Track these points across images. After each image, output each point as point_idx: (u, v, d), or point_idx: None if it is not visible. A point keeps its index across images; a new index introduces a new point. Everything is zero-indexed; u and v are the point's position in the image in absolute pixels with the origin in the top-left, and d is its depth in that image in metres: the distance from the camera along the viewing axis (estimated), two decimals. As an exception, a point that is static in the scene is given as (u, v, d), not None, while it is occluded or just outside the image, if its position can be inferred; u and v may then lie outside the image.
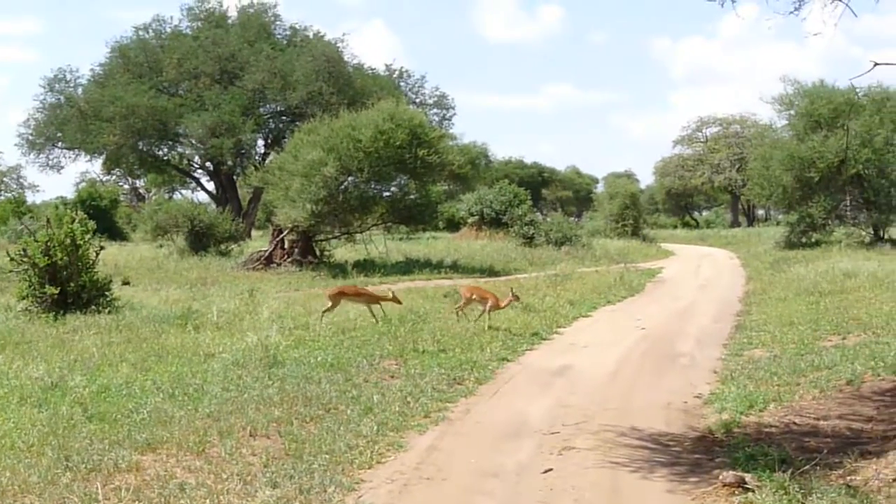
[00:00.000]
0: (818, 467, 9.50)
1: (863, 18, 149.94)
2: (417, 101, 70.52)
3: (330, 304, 22.07)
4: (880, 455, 10.00)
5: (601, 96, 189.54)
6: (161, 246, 50.10)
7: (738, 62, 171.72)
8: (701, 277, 37.32)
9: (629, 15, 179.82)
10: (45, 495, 9.14)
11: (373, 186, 40.32)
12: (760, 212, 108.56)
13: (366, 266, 38.45)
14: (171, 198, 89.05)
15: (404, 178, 40.46)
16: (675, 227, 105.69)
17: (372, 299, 22.40)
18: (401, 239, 54.30)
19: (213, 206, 63.51)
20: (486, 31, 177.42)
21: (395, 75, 71.56)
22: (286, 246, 40.42)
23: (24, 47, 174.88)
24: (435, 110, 71.75)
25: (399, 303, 22.65)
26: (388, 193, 41.43)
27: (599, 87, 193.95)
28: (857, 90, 51.40)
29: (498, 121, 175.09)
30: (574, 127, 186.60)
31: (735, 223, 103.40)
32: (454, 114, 73.00)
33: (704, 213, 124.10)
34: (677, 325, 22.42)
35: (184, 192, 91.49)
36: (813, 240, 51.42)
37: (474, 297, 21.85)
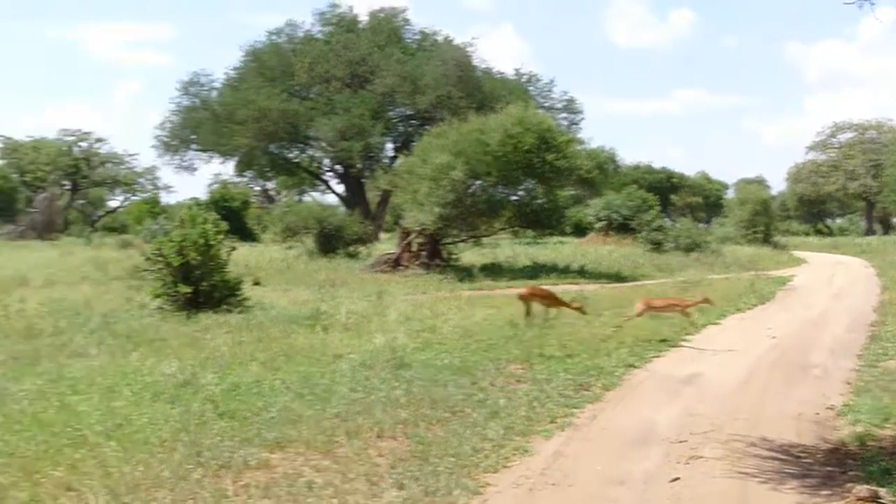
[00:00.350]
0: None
1: None
2: (546, 105, 70.33)
3: (523, 306, 22.34)
4: None
5: (732, 101, 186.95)
6: (290, 247, 50.79)
7: (876, 66, 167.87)
8: (834, 286, 36.52)
9: (761, 18, 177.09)
10: (176, 490, 9.31)
11: (500, 190, 40.32)
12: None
13: (493, 270, 38.46)
14: (300, 200, 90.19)
15: (532, 183, 40.32)
16: (808, 234, 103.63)
17: (557, 303, 22.57)
18: (528, 243, 54.27)
19: (342, 208, 64.09)
20: (615, 36, 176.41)
21: (523, 80, 71.50)
22: (414, 249, 40.62)
23: (159, 51, 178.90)
24: (563, 115, 71.49)
25: (584, 313, 22.69)
26: (515, 197, 41.37)
27: (731, 91, 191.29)
28: None
29: (627, 125, 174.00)
30: (704, 132, 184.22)
31: (870, 231, 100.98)
32: (582, 118, 72.61)
33: (838, 221, 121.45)
34: (809, 334, 21.97)
35: (313, 194, 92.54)
36: (951, 248, 50.04)
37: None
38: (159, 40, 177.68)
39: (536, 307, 22.41)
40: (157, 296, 24.34)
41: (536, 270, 39.02)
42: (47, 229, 75.91)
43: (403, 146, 67.48)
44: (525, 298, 22.22)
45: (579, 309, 22.47)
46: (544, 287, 25.29)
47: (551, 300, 22.64)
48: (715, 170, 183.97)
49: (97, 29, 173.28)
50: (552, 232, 46.47)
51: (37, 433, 11.42)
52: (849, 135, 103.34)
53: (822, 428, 12.52)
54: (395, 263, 39.72)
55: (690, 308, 22.18)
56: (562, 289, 31.52)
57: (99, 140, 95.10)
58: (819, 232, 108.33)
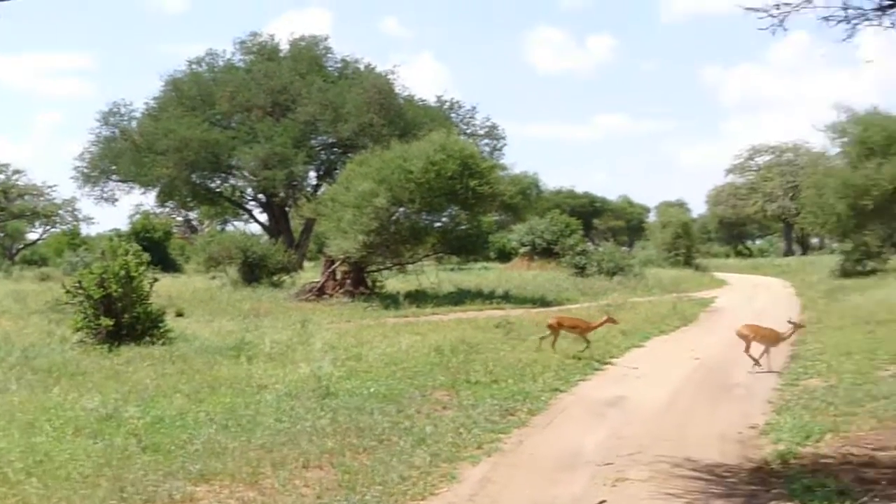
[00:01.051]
0: (877, 499, 9.37)
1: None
2: (468, 131, 70.39)
3: (549, 332, 22.26)
4: (941, 487, 9.87)
5: (653, 125, 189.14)
6: (214, 277, 50.41)
7: (791, 90, 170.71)
8: (755, 307, 36.97)
9: (680, 43, 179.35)
10: (100, 526, 9.18)
11: (424, 217, 40.37)
12: (814, 240, 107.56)
13: (418, 297, 38.43)
14: (223, 229, 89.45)
15: (455, 209, 40.42)
16: (728, 256, 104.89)
17: (587, 330, 22.47)
18: (452, 269, 54.36)
19: (266, 237, 63.73)
20: (536, 62, 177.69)
21: (445, 106, 71.54)
22: (338, 277, 40.54)
23: (79, 81, 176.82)
24: (486, 141, 71.55)
25: (616, 322, 23.24)
26: (439, 224, 41.45)
27: (651, 116, 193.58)
28: (913, 116, 50.92)
29: (549, 151, 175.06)
30: (626, 156, 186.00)
31: (789, 252, 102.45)
32: (505, 144, 72.55)
33: (758, 242, 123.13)
34: (732, 354, 22.19)
35: (236, 223, 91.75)
36: (868, 268, 50.85)
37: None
38: (79, 70, 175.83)
39: (566, 336, 22.56)
40: (78, 329, 24.00)
41: (461, 296, 39.04)
42: (-35, 263, 74.66)
43: (326, 174, 67.29)
44: (554, 328, 22.10)
45: (611, 320, 22.90)
46: (569, 316, 24.87)
47: (581, 327, 22.64)
48: (636, 193, 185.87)
49: (13, 59, 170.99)
50: (476, 258, 46.71)
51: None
52: (766, 157, 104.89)
53: (746, 447, 12.67)
54: (320, 292, 39.58)
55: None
56: (486, 314, 31.67)
57: (17, 172, 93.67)
58: (739, 253, 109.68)
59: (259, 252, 47.51)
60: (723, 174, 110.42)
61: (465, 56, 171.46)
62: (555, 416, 14.93)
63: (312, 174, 69.63)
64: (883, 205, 48.49)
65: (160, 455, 11.93)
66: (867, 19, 11.07)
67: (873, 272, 49.31)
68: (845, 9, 10.96)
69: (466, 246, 42.11)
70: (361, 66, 69.95)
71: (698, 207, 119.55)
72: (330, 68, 70.21)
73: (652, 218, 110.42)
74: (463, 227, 41.16)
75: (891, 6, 10.99)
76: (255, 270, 46.35)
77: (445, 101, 72.07)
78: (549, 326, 22.20)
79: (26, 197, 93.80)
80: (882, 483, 10.17)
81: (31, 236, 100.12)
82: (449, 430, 13.34)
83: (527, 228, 63.11)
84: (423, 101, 70.83)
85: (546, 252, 60.36)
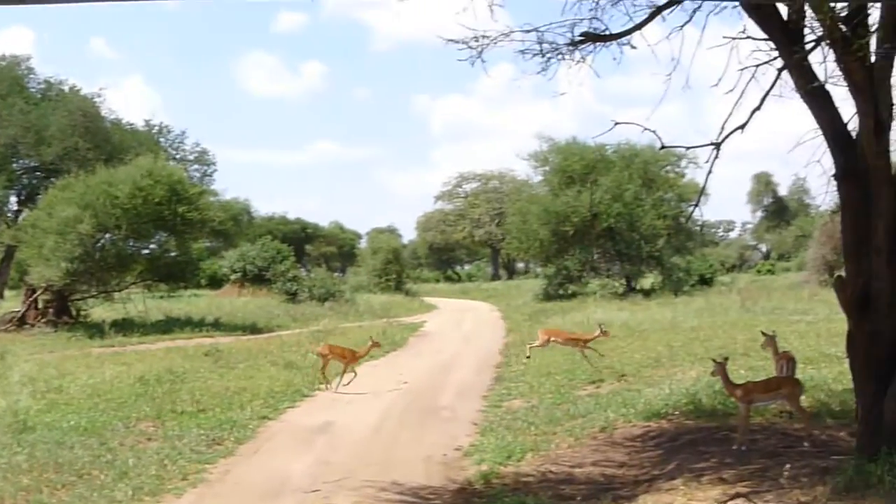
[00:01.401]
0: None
1: (611, 78, 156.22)
2: (178, 157, 69.16)
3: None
4: (631, 499, 10.37)
5: (364, 152, 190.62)
6: None
7: (496, 120, 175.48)
8: (463, 331, 37.84)
9: (390, 72, 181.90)
10: None
11: (131, 244, 39.50)
12: (520, 265, 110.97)
13: (125, 325, 37.44)
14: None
15: (164, 235, 39.79)
16: (438, 280, 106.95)
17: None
18: (161, 297, 53.23)
19: (-38, 265, 60.83)
20: (248, 87, 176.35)
21: (154, 131, 70.19)
22: (41, 306, 39.13)
23: None
24: (196, 166, 70.49)
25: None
26: (147, 251, 40.69)
27: (363, 143, 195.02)
28: (608, 147, 53.53)
29: (262, 176, 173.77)
30: (338, 182, 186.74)
31: (496, 276, 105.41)
32: (215, 169, 71.58)
33: (466, 267, 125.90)
34: (439, 378, 22.68)
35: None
36: (570, 291, 53.01)
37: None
38: None
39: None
40: None
41: (170, 324, 38.32)
42: None
43: (28, 199, 64.69)
44: (324, 356, 21.54)
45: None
46: (338, 345, 23.87)
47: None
48: (349, 220, 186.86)
49: None
50: (186, 285, 45.90)
51: None
52: (473, 185, 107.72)
53: (450, 469, 12.94)
54: (21, 322, 38.10)
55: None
56: (196, 342, 31.20)
57: None
58: (449, 278, 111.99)
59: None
60: (432, 201, 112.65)
61: (176, 80, 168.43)
62: (262, 444, 14.85)
63: (13, 199, 66.97)
64: (582, 230, 50.76)
65: None
66: (560, 54, 11.57)
67: (574, 295, 51.45)
68: (540, 43, 11.42)
69: (176, 273, 41.45)
70: (66, 88, 67.76)
71: (409, 233, 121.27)
72: (32, 89, 67.66)
73: (363, 244, 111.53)
74: (172, 254, 40.53)
75: (581, 42, 11.52)
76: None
77: (154, 126, 70.72)
78: (320, 354, 21.90)
79: None
80: (577, 499, 10.60)
81: None
82: (153, 462, 13.08)
83: (238, 255, 62.54)
84: (131, 124, 69.21)
85: (258, 278, 59.92)
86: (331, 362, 21.48)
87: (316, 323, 38.33)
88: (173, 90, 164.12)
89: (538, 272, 77.08)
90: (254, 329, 37.95)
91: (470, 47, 11.50)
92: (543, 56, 11.51)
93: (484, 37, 11.40)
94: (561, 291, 52.90)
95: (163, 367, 22.80)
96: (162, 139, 69.44)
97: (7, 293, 63.11)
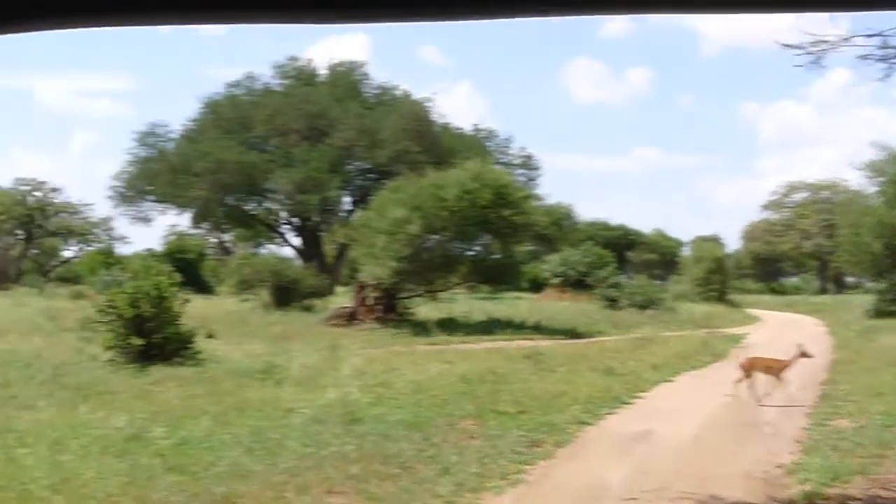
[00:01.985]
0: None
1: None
2: (503, 161, 70.50)
3: (742, 374, 21.07)
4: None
5: (688, 160, 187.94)
6: (246, 300, 50.54)
7: (829, 127, 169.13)
8: (786, 343, 36.66)
9: (716, 78, 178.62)
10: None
11: (456, 245, 40.36)
12: (849, 279, 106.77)
13: (448, 325, 38.32)
14: (256, 252, 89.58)
15: (488, 238, 40.43)
16: (762, 292, 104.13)
17: (781, 367, 21.14)
18: (483, 298, 54.28)
19: (299, 261, 63.87)
20: (574, 93, 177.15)
21: (481, 135, 71.77)
22: (369, 303, 40.54)
23: (117, 101, 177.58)
24: (521, 171, 71.60)
25: (809, 356, 21.82)
26: (471, 253, 41.44)
27: (687, 150, 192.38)
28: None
29: (584, 182, 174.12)
30: (661, 190, 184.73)
31: (823, 290, 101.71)
32: (539, 174, 72.61)
33: (792, 280, 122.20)
34: (761, 392, 22.05)
35: (270, 246, 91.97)
36: (903, 309, 50.46)
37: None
38: (116, 91, 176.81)
39: (760, 377, 21.06)
40: (109, 348, 24.09)
41: (492, 325, 38.96)
42: (0, 279, 75.29)
43: (361, 200, 67.45)
44: (746, 368, 21.11)
45: (804, 354, 21.62)
46: (768, 357, 22.53)
47: (776, 368, 21.16)
48: (671, 228, 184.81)
49: (51, 78, 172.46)
50: (508, 287, 46.59)
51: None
52: (803, 194, 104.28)
53: (771, 486, 12.56)
54: (351, 317, 39.58)
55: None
56: (517, 344, 31.57)
57: (54, 190, 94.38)
58: (773, 291, 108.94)
59: (291, 276, 47.60)
60: (758, 210, 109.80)
61: (503, 86, 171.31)
62: (580, 449, 14.83)
63: (347, 199, 70.02)
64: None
65: (185, 476, 11.95)
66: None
67: (908, 312, 48.93)
68: (883, 48, 10.96)
69: (498, 275, 42.08)
70: (399, 93, 70.30)
71: (733, 243, 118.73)
72: (367, 94, 70.56)
73: (686, 252, 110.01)
74: (495, 257, 41.13)
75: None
76: (286, 294, 46.36)
77: (482, 130, 72.38)
78: (742, 367, 21.22)
79: (62, 214, 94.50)
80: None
81: (66, 254, 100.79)
82: (474, 459, 13.27)
83: (560, 259, 63.02)
84: (459, 129, 71.08)
85: (579, 283, 60.20)
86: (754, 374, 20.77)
87: (636, 330, 38.02)
88: (500, 96, 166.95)
89: (868, 287, 73.88)
90: (573, 333, 38.03)
91: (808, 52, 11.14)
92: (886, 62, 11.03)
93: (823, 41, 11.02)
94: (893, 308, 50.43)
95: (485, 367, 23.17)
96: (489, 143, 71.02)
97: (338, 289, 65.92)
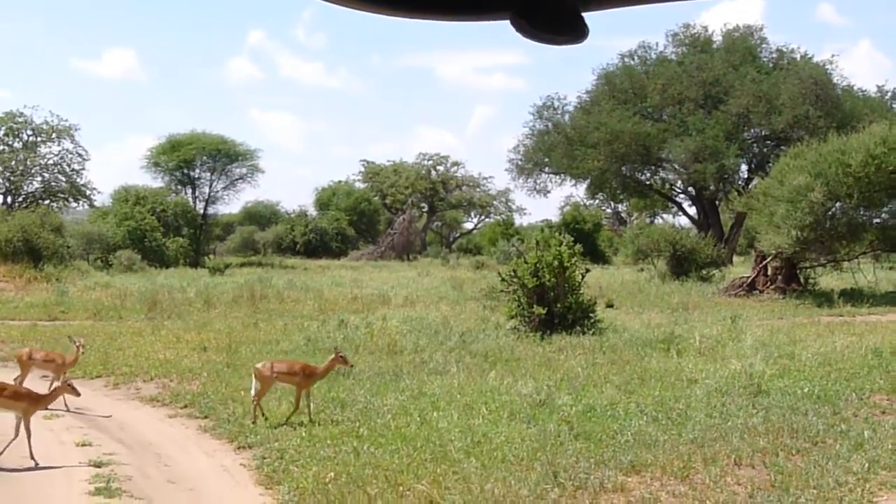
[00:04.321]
0: None
1: None
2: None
3: None
4: None
5: None
6: (642, 270, 50.67)
7: None
8: None
9: None
10: (534, 509, 9.46)
11: (862, 213, 38.70)
12: None
13: (853, 295, 36.82)
14: (652, 222, 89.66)
15: (896, 205, 38.55)
16: None
17: None
18: (892, 268, 51.79)
19: (695, 231, 63.28)
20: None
21: (887, 97, 68.47)
22: (769, 273, 39.65)
23: (512, 76, 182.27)
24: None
25: None
26: (878, 220, 39.65)
27: None
28: None
29: None
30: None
31: None
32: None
33: None
34: None
35: (665, 216, 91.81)
36: None
37: None
38: (510, 66, 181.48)
39: None
40: (512, 316, 24.84)
41: (902, 296, 37.18)
42: (406, 250, 79.20)
43: (758, 167, 66.01)
44: None
45: None
46: None
47: None
48: None
49: (451, 57, 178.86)
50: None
51: (400, 447, 11.93)
52: None
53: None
54: (750, 287, 38.89)
55: None
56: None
57: (455, 164, 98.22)
58: None
59: (688, 245, 47.19)
60: None
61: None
62: None
63: (744, 167, 68.66)
64: None
65: (591, 443, 12.16)
66: None
67: None
68: None
69: (906, 243, 40.02)
70: (797, 57, 68.10)
71: None
72: (764, 59, 68.80)
73: None
74: (904, 224, 39.17)
75: None
76: (683, 264, 46.08)
77: (887, 92, 68.95)
78: None
79: (463, 188, 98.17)
80: None
81: (467, 226, 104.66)
82: (889, 436, 12.72)
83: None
84: (863, 91, 68.09)
85: None
86: None
87: None
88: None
89: None
90: None
91: None
92: None
93: None
94: None
95: (895, 339, 22.13)
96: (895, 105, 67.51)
97: (735, 259, 64.87)
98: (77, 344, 16.83)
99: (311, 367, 14.85)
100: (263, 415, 14.11)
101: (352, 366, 16.20)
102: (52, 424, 14.49)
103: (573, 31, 1.86)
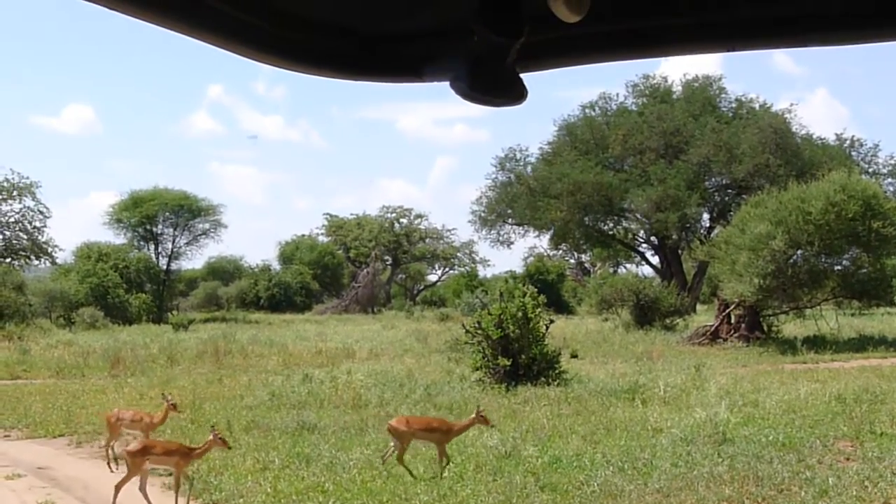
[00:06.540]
0: None
1: None
2: (870, 170, 67.75)
3: None
4: None
5: None
6: (606, 319, 50.84)
7: None
8: None
9: None
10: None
11: (823, 260, 39.06)
12: None
13: (816, 342, 37.05)
14: (615, 272, 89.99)
15: (857, 251, 38.88)
16: None
17: None
18: (853, 314, 52.14)
19: (658, 280, 63.61)
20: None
21: (845, 145, 69.23)
22: (732, 321, 39.90)
23: (474, 127, 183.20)
24: (889, 180, 68.62)
25: None
26: (839, 267, 40.01)
27: None
28: None
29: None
30: None
31: None
32: (911, 183, 69.24)
33: None
34: None
35: (628, 266, 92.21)
36: None
37: None
38: (471, 118, 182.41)
39: None
40: (477, 368, 24.84)
41: (864, 343, 37.41)
42: (370, 303, 79.21)
43: (720, 216, 66.58)
44: None
45: None
46: None
47: None
48: None
49: (410, 109, 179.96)
50: (879, 303, 44.53)
51: (366, 501, 11.88)
52: None
53: None
54: (714, 336, 39.09)
55: None
56: (891, 363, 30.19)
57: (419, 216, 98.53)
58: None
59: (651, 294, 47.44)
60: None
61: (863, 92, 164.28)
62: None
63: (705, 216, 69.18)
64: None
65: (558, 495, 12.14)
66: None
67: None
68: None
69: (869, 290, 40.30)
70: (756, 106, 68.83)
71: None
72: (724, 108, 69.50)
73: None
74: (865, 271, 39.49)
75: None
76: (647, 313, 46.31)
77: (845, 140, 69.72)
78: None
79: (427, 240, 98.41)
80: None
81: (431, 278, 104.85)
82: (853, 482, 12.76)
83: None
84: (821, 139, 68.82)
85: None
86: None
87: None
88: (862, 103, 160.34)
89: None
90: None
91: None
92: None
93: None
94: None
95: (858, 386, 22.26)
96: (854, 153, 68.27)
97: (699, 307, 65.17)
98: (167, 402, 16.13)
99: (449, 424, 14.76)
100: (410, 472, 13.76)
101: (493, 425, 15.51)
102: (14, 485, 14.33)
103: (512, 94, 1.88)
